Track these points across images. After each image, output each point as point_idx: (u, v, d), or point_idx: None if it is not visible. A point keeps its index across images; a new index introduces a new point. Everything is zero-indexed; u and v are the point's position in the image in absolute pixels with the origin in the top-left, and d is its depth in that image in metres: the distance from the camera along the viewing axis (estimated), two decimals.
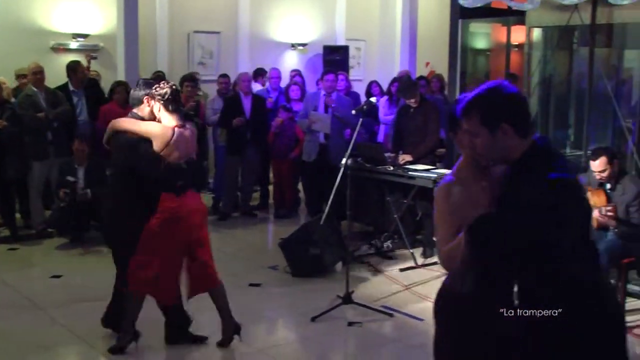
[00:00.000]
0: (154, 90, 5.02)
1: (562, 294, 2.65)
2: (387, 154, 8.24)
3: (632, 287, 6.55)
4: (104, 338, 5.61)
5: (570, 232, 2.67)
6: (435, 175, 7.54)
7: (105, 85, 10.13)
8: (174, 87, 5.09)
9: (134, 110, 5.17)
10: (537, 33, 8.83)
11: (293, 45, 13.64)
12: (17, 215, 9.08)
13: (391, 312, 6.24)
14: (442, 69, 11.53)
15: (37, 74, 8.78)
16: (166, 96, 4.99)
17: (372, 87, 11.42)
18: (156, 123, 5.04)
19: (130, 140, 5.00)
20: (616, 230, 6.08)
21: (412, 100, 8.30)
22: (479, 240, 2.70)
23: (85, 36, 11.18)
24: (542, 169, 2.70)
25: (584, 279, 2.72)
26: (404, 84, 8.98)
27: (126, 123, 5.07)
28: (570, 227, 2.67)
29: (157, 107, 5.03)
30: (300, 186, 10.19)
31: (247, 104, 9.67)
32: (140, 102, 5.11)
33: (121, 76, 10.61)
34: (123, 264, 5.20)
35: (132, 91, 5.29)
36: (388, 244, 8.21)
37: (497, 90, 2.85)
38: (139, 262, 5.09)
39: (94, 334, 5.70)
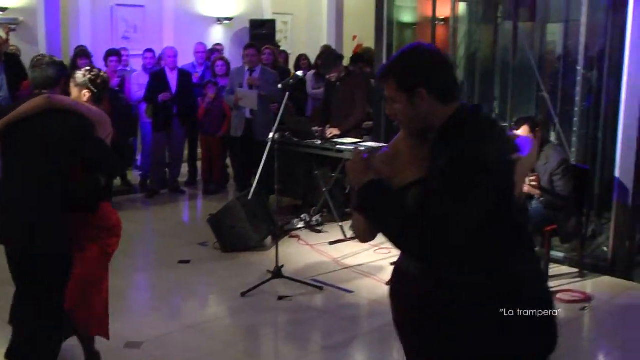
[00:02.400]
0: (81, 77, 4.45)
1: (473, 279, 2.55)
2: (314, 128, 8.24)
3: (555, 254, 6.74)
4: None
5: (469, 210, 2.40)
6: (363, 149, 7.56)
7: (26, 60, 9.85)
8: (103, 74, 4.57)
9: (46, 95, 4.20)
10: (462, 7, 8.91)
11: (219, 20, 13.49)
12: None
13: (321, 285, 6.27)
14: (370, 42, 11.53)
15: None
16: (98, 85, 4.46)
17: (300, 61, 11.42)
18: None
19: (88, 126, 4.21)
20: (541, 199, 6.21)
21: (333, 75, 8.31)
22: (364, 206, 2.59)
23: (3, 9, 10.84)
24: (459, 139, 2.51)
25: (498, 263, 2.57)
26: (325, 58, 8.98)
27: (67, 101, 4.28)
28: (469, 206, 2.40)
29: (86, 95, 4.43)
30: (228, 162, 10.13)
31: (173, 79, 9.54)
32: (55, 83, 4.30)
33: (42, 51, 10.34)
34: (58, 306, 4.25)
35: (37, 70, 4.28)
36: (317, 217, 8.24)
37: (413, 52, 2.66)
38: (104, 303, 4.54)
39: None
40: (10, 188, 4.14)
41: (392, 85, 2.63)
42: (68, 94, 4.45)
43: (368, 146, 7.69)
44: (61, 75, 4.35)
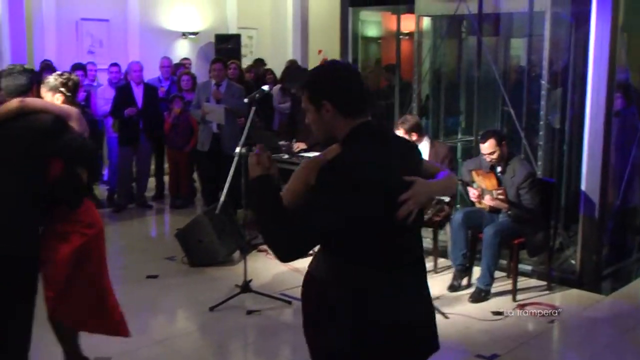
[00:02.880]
0: (53, 81, 4.51)
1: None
2: (281, 142, 8.24)
3: (523, 267, 6.81)
4: None
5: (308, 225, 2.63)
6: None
7: None
8: (73, 77, 4.65)
9: (19, 99, 4.20)
10: (426, 22, 8.98)
11: (184, 34, 13.47)
12: None
13: (290, 299, 6.25)
14: (335, 56, 11.58)
15: None
16: (69, 87, 4.54)
17: (266, 75, 11.44)
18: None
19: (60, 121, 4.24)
20: (508, 212, 6.27)
21: (299, 89, 8.35)
22: (248, 199, 2.75)
23: None
24: (344, 152, 2.72)
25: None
26: (290, 73, 9.01)
27: (38, 102, 4.31)
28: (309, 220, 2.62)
29: (59, 99, 4.48)
30: (195, 176, 10.10)
31: (138, 93, 9.49)
32: (28, 89, 4.33)
33: (7, 62, 10.25)
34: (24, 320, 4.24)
35: (9, 79, 4.30)
36: None
37: (325, 68, 2.87)
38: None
39: None
40: None
41: (305, 97, 2.82)
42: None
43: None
44: (33, 81, 4.37)
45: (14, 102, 4.18)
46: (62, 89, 4.50)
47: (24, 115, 4.16)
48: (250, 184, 2.71)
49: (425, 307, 2.97)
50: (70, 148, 4.23)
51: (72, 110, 4.35)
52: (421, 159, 3.01)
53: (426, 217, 6.35)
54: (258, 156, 2.72)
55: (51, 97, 4.47)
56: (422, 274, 2.96)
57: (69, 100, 4.50)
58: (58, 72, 4.67)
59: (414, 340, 2.87)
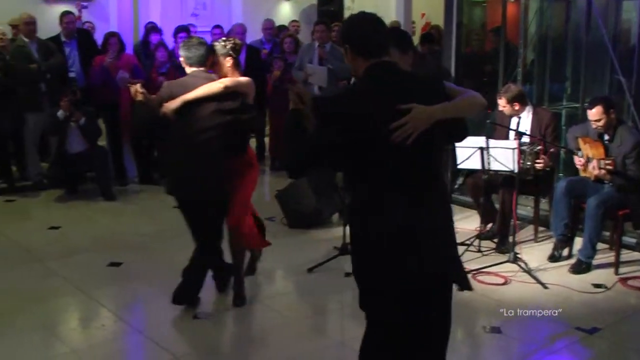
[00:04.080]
0: (222, 47, 5.12)
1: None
2: None
3: (627, 239, 6.60)
4: (102, 289, 5.66)
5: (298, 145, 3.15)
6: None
7: (98, 36, 10.03)
8: (237, 41, 5.26)
9: (198, 69, 5.06)
10: None
11: None
12: (13, 168, 9.08)
13: None
14: (439, 20, 11.40)
15: (29, 25, 8.70)
16: (236, 51, 5.18)
17: None
18: (229, 79, 5.11)
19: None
20: (612, 183, 6.10)
21: None
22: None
23: None
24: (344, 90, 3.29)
25: None
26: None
27: (207, 89, 4.97)
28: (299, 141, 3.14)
29: (229, 62, 5.14)
30: None
31: (241, 55, 9.57)
32: (206, 60, 5.09)
33: (114, 27, 10.53)
34: (217, 229, 5.37)
35: (191, 50, 5.04)
36: None
37: (351, 18, 3.33)
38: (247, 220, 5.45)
39: (92, 285, 5.75)
40: (181, 152, 5.05)
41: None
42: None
43: None
44: (209, 52, 5.11)
45: (218, 85, 4.97)
46: (232, 53, 5.13)
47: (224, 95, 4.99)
48: (289, 114, 3.19)
49: (438, 227, 3.19)
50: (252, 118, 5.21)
51: (248, 83, 5.14)
52: (444, 89, 3.26)
53: (527, 165, 6.21)
54: (296, 93, 3.14)
55: (223, 61, 5.13)
56: (436, 194, 3.21)
57: (236, 62, 5.18)
58: (223, 39, 5.27)
59: (425, 258, 3.10)
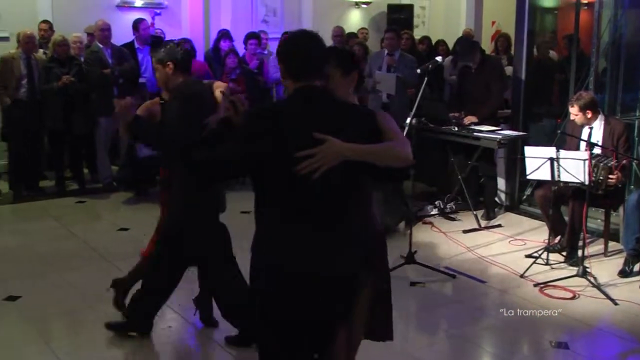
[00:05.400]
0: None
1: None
2: (451, 114, 8.13)
3: None
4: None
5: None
6: (500, 137, 7.44)
7: None
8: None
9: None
10: None
11: (357, 4, 13.52)
12: (85, 170, 9.31)
13: (453, 273, 6.22)
14: (509, 28, 11.28)
15: (104, 31, 8.91)
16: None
17: (439, 47, 11.32)
18: None
19: None
20: None
21: (471, 63, 8.20)
22: None
23: None
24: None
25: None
26: (463, 46, 8.85)
27: None
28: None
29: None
30: None
31: None
32: None
33: (185, 34, 10.68)
34: None
35: None
36: (451, 205, 8.17)
37: (287, 36, 3.16)
38: None
39: None
40: None
41: None
42: None
43: (504, 134, 7.56)
44: None
45: None
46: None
47: None
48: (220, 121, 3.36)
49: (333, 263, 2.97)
50: None
51: None
52: (375, 125, 3.03)
53: (600, 179, 6.08)
54: (232, 102, 3.26)
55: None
56: (333, 238, 2.96)
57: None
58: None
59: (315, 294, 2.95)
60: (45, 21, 9.79)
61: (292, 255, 2.93)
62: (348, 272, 3.01)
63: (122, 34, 9.67)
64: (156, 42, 9.82)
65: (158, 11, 11.10)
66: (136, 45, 9.45)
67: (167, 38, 10.49)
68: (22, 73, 8.45)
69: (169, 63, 4.58)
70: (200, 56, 10.11)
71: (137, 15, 10.25)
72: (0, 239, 7.17)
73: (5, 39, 9.73)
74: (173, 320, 5.32)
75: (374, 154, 2.93)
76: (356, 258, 3.04)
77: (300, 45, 3.03)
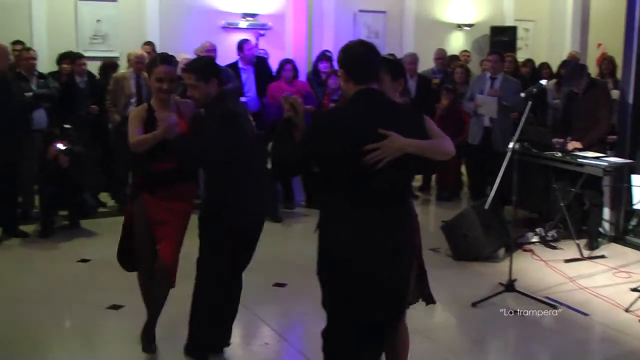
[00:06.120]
0: None
1: None
2: (554, 140, 7.96)
3: None
4: (266, 307, 5.77)
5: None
6: (606, 164, 7.22)
7: (273, 63, 10.35)
8: None
9: None
10: None
11: (459, 26, 13.46)
12: None
13: (554, 303, 6.07)
14: (616, 51, 11.01)
15: (210, 52, 9.09)
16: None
17: (542, 70, 11.15)
18: None
19: None
20: None
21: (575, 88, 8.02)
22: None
23: (254, 15, 11.46)
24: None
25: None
26: (570, 70, 8.65)
27: None
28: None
29: None
30: (463, 169, 10.07)
31: (412, 84, 9.63)
32: None
33: (289, 55, 10.83)
34: None
35: None
36: (553, 233, 7.98)
37: (348, 44, 3.54)
38: None
39: (257, 303, 5.89)
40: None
41: None
42: None
43: (611, 161, 7.35)
44: None
45: None
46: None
47: None
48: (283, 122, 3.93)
49: (388, 249, 3.41)
50: None
51: None
52: (423, 124, 3.52)
53: None
54: (291, 103, 3.96)
55: None
56: (394, 217, 3.45)
57: None
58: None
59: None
60: (148, 42, 10.09)
61: (362, 231, 3.37)
62: (408, 243, 3.53)
63: (226, 54, 9.87)
64: (260, 62, 10.02)
65: (262, 32, 11.32)
66: (240, 65, 9.63)
67: (271, 59, 10.70)
68: (131, 92, 8.72)
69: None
70: (302, 76, 10.22)
71: (241, 36, 10.46)
72: (111, 248, 7.34)
73: (115, 58, 10.09)
74: (270, 337, 5.37)
75: (428, 149, 3.45)
76: (408, 232, 3.56)
77: (361, 53, 3.46)
